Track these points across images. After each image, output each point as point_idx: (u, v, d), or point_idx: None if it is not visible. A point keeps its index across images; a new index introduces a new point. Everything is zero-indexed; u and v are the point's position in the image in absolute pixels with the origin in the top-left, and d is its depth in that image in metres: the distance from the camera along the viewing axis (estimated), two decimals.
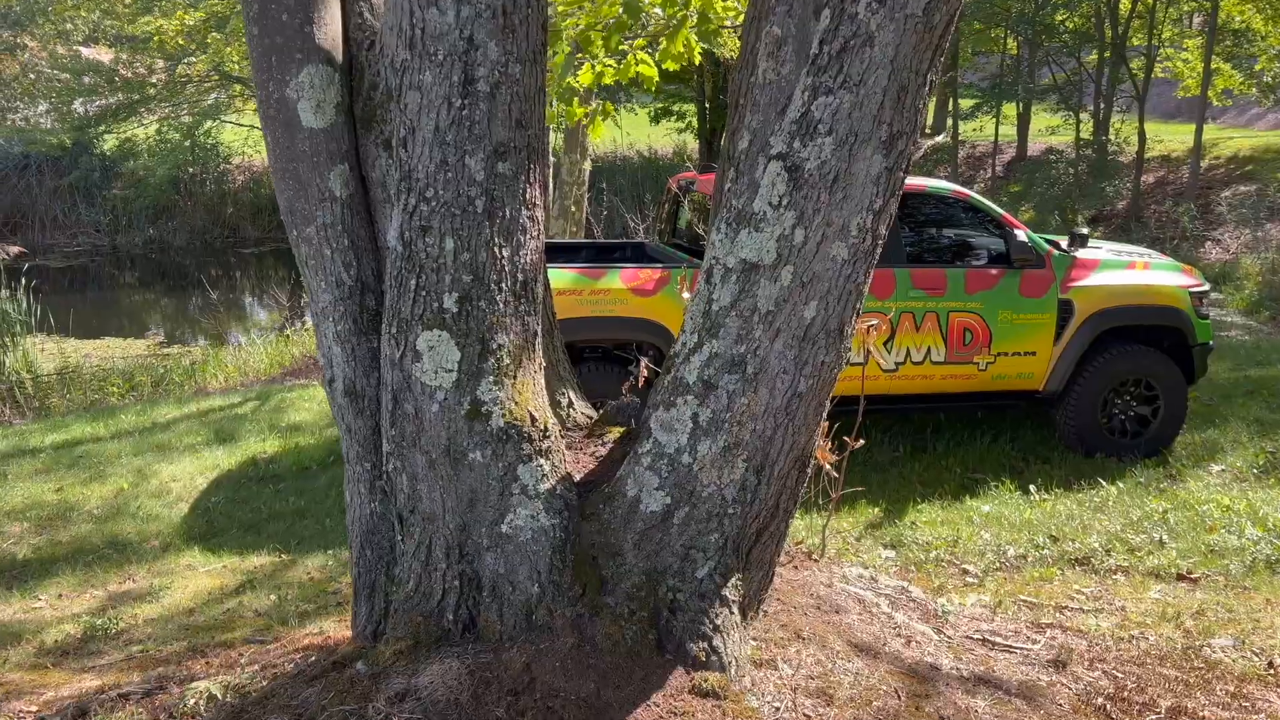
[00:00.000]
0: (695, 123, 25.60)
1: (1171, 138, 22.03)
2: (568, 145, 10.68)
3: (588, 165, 11.05)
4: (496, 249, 2.61)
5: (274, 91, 2.79)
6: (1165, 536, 5.51)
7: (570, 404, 3.17)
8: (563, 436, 2.83)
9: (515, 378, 2.62)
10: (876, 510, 6.04)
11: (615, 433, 2.98)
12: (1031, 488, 6.25)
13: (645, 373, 3.84)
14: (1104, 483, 6.35)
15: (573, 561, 2.52)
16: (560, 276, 6.22)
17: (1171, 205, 18.33)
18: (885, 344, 6.55)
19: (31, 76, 22.61)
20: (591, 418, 3.14)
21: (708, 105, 24.82)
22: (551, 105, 4.45)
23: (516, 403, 2.59)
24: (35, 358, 11.51)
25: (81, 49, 23.96)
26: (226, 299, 19.07)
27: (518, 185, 2.65)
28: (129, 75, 22.39)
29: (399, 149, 2.64)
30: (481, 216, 2.59)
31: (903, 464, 6.78)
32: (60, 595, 5.07)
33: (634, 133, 26.18)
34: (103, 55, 23.18)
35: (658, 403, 2.65)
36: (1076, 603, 4.73)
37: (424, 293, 2.59)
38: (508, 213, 2.63)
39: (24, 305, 12.00)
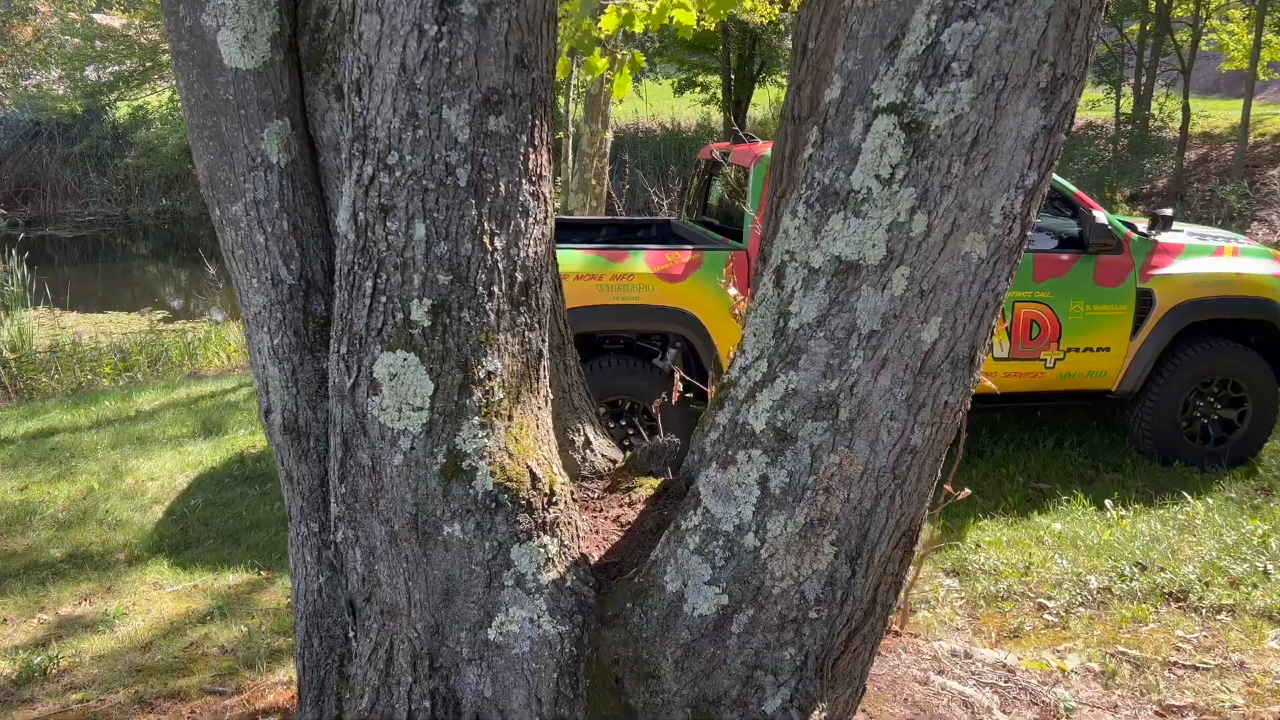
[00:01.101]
0: (720, 95, 24.62)
1: (1214, 113, 20.93)
2: (588, 114, 9.85)
3: (609, 136, 10.22)
4: (486, 238, 1.83)
5: (185, 17, 2.01)
6: (1270, 566, 4.71)
7: (587, 443, 2.38)
8: (577, 494, 2.06)
9: (511, 418, 1.85)
10: (932, 526, 5.26)
11: (647, 485, 2.19)
12: (1108, 503, 5.45)
13: (678, 391, 3.06)
14: (1188, 497, 5.54)
15: (587, 686, 1.75)
16: (576, 258, 5.44)
17: (1217, 184, 17.30)
18: None
19: (43, 42, 21.87)
20: (615, 461, 2.35)
21: (733, 77, 23.83)
22: (563, 53, 3.62)
23: (511, 454, 1.82)
24: (31, 334, 10.83)
25: (94, 15, 23.18)
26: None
27: (516, 149, 1.86)
28: (143, 41, 21.63)
29: (352, 97, 1.86)
30: (465, 192, 1.82)
31: (958, 471, 5.99)
32: (4, 620, 4.37)
33: (657, 104, 25.25)
34: (115, 21, 22.40)
35: (708, 455, 1.87)
36: (1185, 655, 3.94)
37: (384, 299, 1.82)
38: (502, 187, 1.85)
39: (18, 276, 11.31)
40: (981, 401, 6.28)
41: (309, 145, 2.10)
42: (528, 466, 1.83)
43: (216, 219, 2.07)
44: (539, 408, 1.93)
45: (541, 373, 1.95)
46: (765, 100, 25.32)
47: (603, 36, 3.68)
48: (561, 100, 11.44)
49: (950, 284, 1.74)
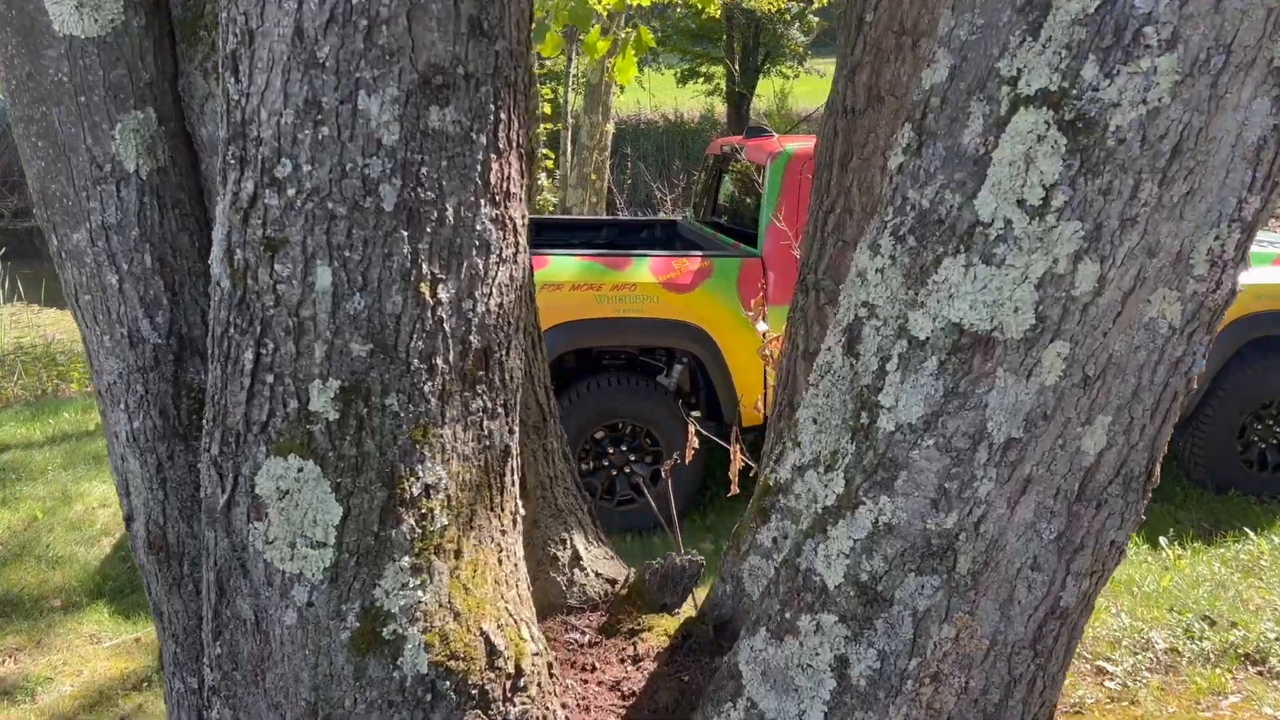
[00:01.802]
0: (724, 85, 23.94)
1: None
2: (588, 104, 9.21)
3: (610, 128, 9.58)
4: (425, 286, 1.22)
5: None
6: None
7: (575, 559, 1.72)
8: (560, 650, 1.44)
9: (459, 554, 1.24)
10: None
11: (659, 630, 1.55)
12: (1162, 540, 4.84)
13: (692, 447, 2.46)
14: (1250, 534, 4.94)
15: None
16: (572, 265, 4.82)
17: None
18: None
19: None
20: (613, 582, 1.71)
21: (737, 67, 23.16)
22: (555, 29, 2.99)
23: (458, 614, 1.21)
24: (1, 332, 10.21)
25: None
26: None
27: (471, 154, 1.25)
28: None
29: (225, 77, 1.25)
30: (393, 219, 1.21)
31: None
32: None
33: (659, 94, 24.59)
34: None
35: (755, 615, 1.25)
36: None
37: (271, 378, 1.21)
38: (449, 211, 1.24)
39: None
40: None
41: (185, 146, 1.48)
42: (482, 632, 1.21)
43: (54, 251, 1.45)
44: (502, 532, 1.31)
45: (508, 479, 1.33)
46: (769, 91, 24.63)
47: (603, 10, 3.08)
48: (560, 89, 10.80)
49: (1126, 366, 1.12)
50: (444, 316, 1.25)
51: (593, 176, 9.30)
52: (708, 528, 5.08)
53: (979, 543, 1.12)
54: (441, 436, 1.25)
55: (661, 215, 10.90)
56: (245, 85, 1.22)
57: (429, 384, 1.24)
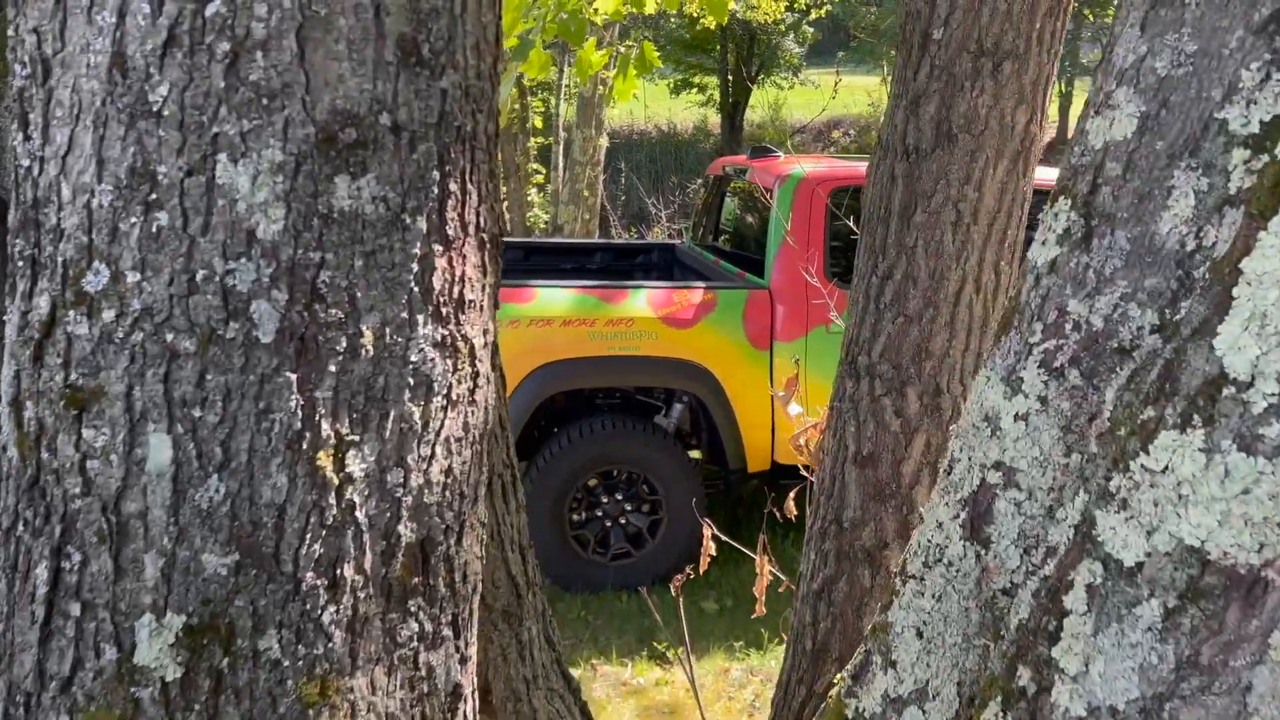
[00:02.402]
0: (717, 96, 23.57)
1: None
2: (580, 117, 8.77)
3: (604, 142, 9.14)
4: (324, 458, 0.77)
5: None
6: None
7: None
8: None
9: None
10: None
11: None
12: None
13: (708, 554, 2.02)
14: None
15: None
16: (563, 299, 4.37)
17: None
18: None
19: None
20: None
21: (730, 78, 22.79)
22: (540, 43, 2.51)
23: None
24: None
25: None
26: None
27: (404, 250, 0.80)
28: None
29: (14, 131, 0.80)
30: (272, 355, 0.76)
31: None
32: None
33: (652, 105, 24.20)
34: None
35: None
36: None
37: (76, 608, 0.76)
38: (366, 337, 0.79)
39: None
40: None
41: None
42: None
43: None
44: None
45: None
46: (763, 103, 24.25)
47: (599, 21, 2.64)
48: (551, 99, 10.36)
49: None
50: (356, 501, 0.80)
51: (585, 193, 8.86)
52: (710, 584, 4.63)
53: None
54: (352, 692, 0.79)
55: (656, 235, 10.46)
56: (38, 145, 0.76)
57: (331, 610, 0.78)
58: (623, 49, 2.68)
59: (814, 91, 23.39)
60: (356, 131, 0.79)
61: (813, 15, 16.57)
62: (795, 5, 14.74)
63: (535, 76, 2.29)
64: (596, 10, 2.46)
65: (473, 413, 0.89)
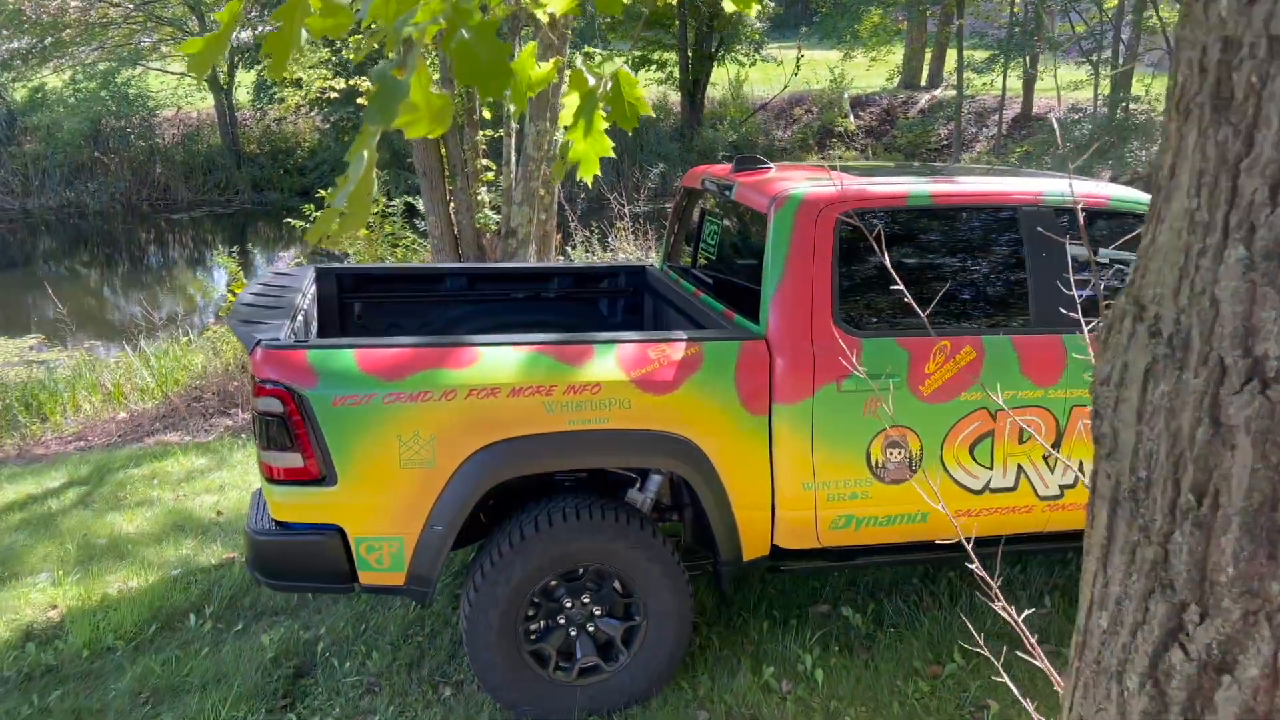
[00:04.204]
0: (676, 73, 22.50)
1: None
2: (534, 110, 7.73)
3: (560, 135, 8.10)
4: None
5: None
6: None
7: None
8: None
9: None
10: None
11: None
12: None
13: None
14: None
15: None
16: (513, 362, 3.40)
17: None
18: (1046, 457, 3.83)
19: None
20: None
21: (690, 53, 21.71)
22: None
23: None
24: None
25: None
26: (145, 275, 15.96)
27: None
28: (43, 16, 18.91)
29: None
30: None
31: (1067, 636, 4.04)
32: None
33: None
34: None
35: None
36: None
37: None
38: None
39: None
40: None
41: None
42: None
43: None
44: None
45: None
46: (724, 79, 23.21)
47: (542, 19, 1.69)
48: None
49: None
50: None
51: (541, 193, 7.83)
52: (700, 700, 3.71)
53: None
54: None
55: (619, 235, 9.46)
56: None
57: None
58: (575, 66, 1.70)
59: (775, 68, 22.39)
60: None
61: None
62: None
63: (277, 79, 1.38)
64: (543, 4, 1.53)
65: None
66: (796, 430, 3.56)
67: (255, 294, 4.02)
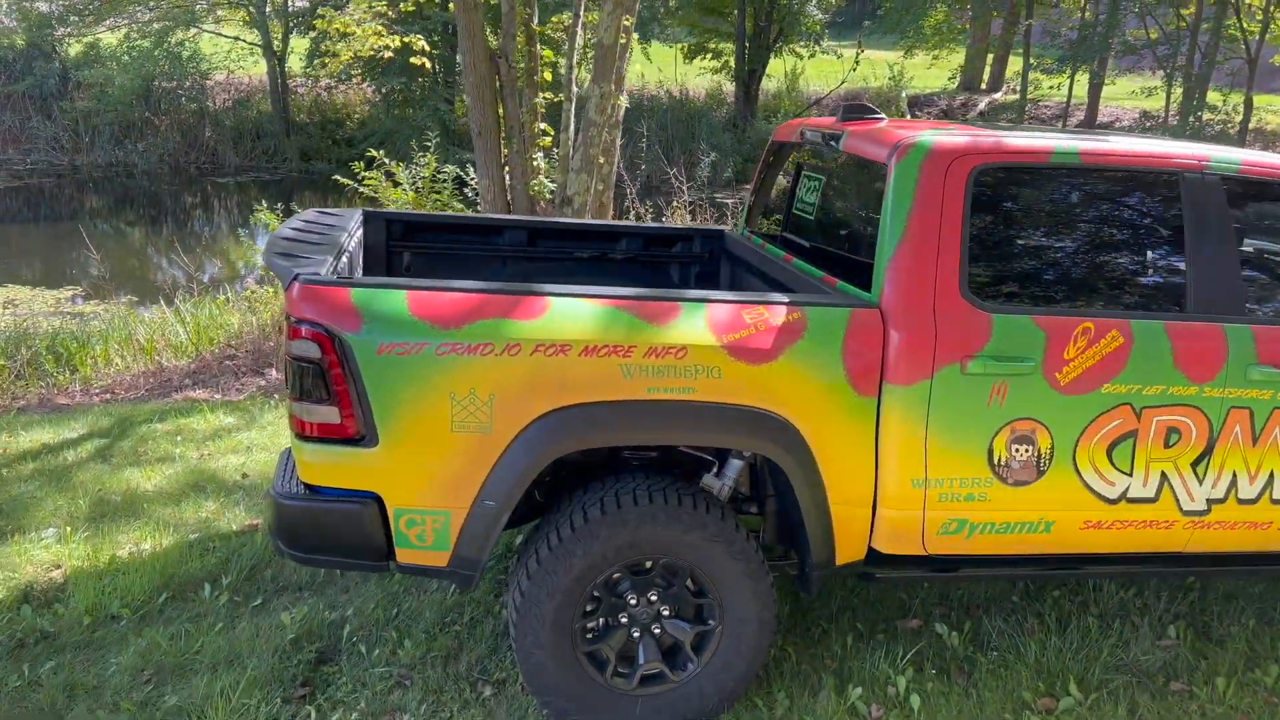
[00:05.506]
0: (732, 63, 21.89)
1: (1262, 108, 18.49)
2: (597, 70, 7.21)
3: (624, 101, 7.58)
4: None
5: None
6: None
7: None
8: None
9: None
10: None
11: None
12: None
13: None
14: None
15: None
16: (587, 316, 2.87)
17: None
18: (1195, 464, 3.24)
19: None
20: None
21: (747, 44, 21.10)
22: None
23: None
24: None
25: None
26: (189, 238, 15.65)
27: None
28: None
29: None
30: None
31: (1207, 669, 3.40)
32: None
33: (665, 70, 22.54)
34: None
35: None
36: None
37: None
38: None
39: None
40: (1251, 563, 3.72)
41: None
42: None
43: None
44: None
45: None
46: (780, 71, 22.57)
47: None
48: (556, 56, 8.76)
49: None
50: None
51: (600, 160, 7.31)
52: None
53: None
54: None
55: (677, 215, 8.91)
56: None
57: None
58: None
59: (836, 63, 21.72)
60: None
61: None
62: None
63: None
64: None
65: None
66: (909, 416, 3.00)
67: (296, 229, 3.52)
